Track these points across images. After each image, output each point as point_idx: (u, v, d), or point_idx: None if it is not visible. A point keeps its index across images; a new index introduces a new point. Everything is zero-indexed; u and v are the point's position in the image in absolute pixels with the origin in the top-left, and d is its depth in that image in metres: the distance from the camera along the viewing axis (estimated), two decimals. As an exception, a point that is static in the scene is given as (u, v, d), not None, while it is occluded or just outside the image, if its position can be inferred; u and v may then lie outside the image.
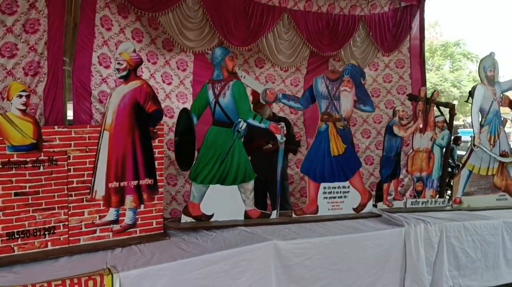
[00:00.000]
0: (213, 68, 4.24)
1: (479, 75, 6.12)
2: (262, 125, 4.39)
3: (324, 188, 4.88)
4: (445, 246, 4.82)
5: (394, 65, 8.19)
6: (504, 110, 6.47)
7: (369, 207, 5.12)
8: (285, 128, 4.48)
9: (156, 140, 3.93)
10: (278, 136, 4.47)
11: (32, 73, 4.59)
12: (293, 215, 4.75)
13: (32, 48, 4.58)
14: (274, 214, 4.60)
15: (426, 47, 27.45)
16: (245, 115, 4.28)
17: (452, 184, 6.12)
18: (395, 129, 5.25)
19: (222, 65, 4.24)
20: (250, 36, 6.58)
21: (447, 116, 5.97)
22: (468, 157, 6.02)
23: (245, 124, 4.30)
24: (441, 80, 27.94)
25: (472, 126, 5.95)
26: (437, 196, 5.81)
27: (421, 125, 5.51)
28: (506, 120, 6.36)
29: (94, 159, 3.56)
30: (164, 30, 5.89)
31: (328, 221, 4.77)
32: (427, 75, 27.02)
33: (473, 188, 6.07)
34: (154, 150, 3.92)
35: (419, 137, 5.53)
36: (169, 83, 6.22)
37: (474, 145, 5.89)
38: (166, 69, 6.20)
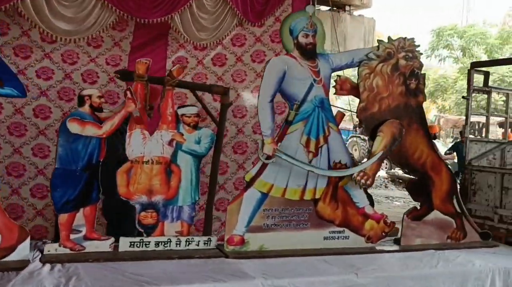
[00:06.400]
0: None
1: (284, 43, 3.86)
2: None
3: None
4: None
5: (269, 39, 5.90)
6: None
7: (23, 252, 3.13)
8: None
9: None
10: None
11: None
12: None
13: None
14: None
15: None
16: None
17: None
18: (72, 125, 3.20)
19: None
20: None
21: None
22: (261, 171, 3.75)
23: None
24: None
25: (259, 122, 3.70)
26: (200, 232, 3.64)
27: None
28: (343, 115, 3.99)
29: None
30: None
31: None
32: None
33: (271, 220, 3.86)
34: None
35: (140, 138, 3.41)
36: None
37: (262, 150, 3.64)
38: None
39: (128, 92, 3.39)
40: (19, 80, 3.24)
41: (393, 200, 10.77)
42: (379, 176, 13.01)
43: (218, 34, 5.63)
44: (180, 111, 3.66)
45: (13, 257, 3.18)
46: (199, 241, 3.68)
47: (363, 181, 3.95)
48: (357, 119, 4.13)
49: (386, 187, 12.84)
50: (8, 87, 3.10)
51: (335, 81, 4.04)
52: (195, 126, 3.68)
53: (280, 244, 3.85)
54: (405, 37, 4.14)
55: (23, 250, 3.21)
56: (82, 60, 5.21)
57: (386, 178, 13.30)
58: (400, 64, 4.11)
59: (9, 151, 4.75)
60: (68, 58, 5.15)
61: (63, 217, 3.34)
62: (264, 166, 3.80)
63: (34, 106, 4.87)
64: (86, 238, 3.43)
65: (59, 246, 3.34)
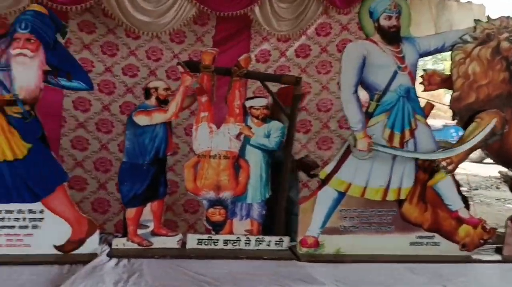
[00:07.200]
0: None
1: (363, 26, 3.54)
2: None
3: (-11, 211, 3.12)
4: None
5: (356, 27, 5.51)
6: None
7: (91, 245, 3.16)
8: None
9: None
10: None
11: None
12: None
13: None
14: None
15: None
16: None
17: None
18: (139, 118, 3.17)
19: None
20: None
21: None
22: (338, 167, 3.47)
23: None
24: None
25: (346, 117, 3.42)
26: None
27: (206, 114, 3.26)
28: (432, 106, 3.57)
29: None
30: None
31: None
32: None
33: (349, 222, 3.54)
34: None
35: (207, 132, 3.30)
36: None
37: (356, 147, 3.37)
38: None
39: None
40: (86, 74, 3.26)
41: (505, 202, 9.72)
42: (489, 176, 11.87)
43: (301, 24, 5.31)
44: (248, 104, 3.46)
45: (82, 250, 3.20)
46: (270, 241, 3.46)
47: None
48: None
49: (497, 188, 11.64)
50: (76, 81, 3.12)
51: (421, 77, 3.62)
52: (264, 119, 3.46)
53: (359, 248, 3.50)
54: (508, 16, 3.58)
55: (91, 244, 3.21)
56: (166, 57, 5.19)
57: (498, 178, 12.06)
58: (502, 47, 3.57)
59: (96, 147, 4.88)
60: (152, 55, 5.16)
61: (130, 212, 3.29)
62: (340, 162, 3.49)
63: (120, 103, 4.95)
64: (153, 233, 3.36)
65: (127, 240, 3.29)
